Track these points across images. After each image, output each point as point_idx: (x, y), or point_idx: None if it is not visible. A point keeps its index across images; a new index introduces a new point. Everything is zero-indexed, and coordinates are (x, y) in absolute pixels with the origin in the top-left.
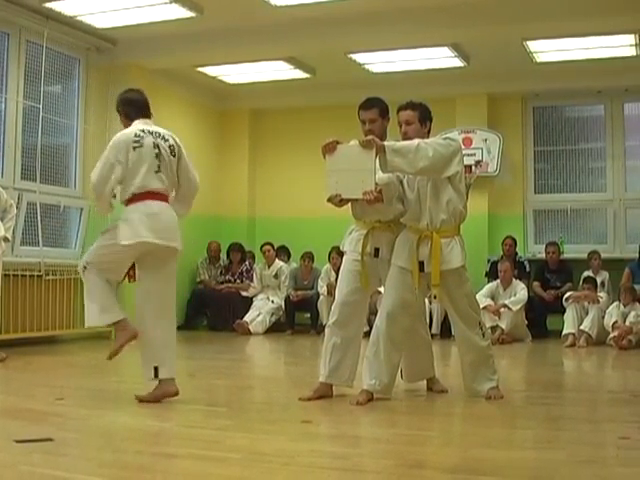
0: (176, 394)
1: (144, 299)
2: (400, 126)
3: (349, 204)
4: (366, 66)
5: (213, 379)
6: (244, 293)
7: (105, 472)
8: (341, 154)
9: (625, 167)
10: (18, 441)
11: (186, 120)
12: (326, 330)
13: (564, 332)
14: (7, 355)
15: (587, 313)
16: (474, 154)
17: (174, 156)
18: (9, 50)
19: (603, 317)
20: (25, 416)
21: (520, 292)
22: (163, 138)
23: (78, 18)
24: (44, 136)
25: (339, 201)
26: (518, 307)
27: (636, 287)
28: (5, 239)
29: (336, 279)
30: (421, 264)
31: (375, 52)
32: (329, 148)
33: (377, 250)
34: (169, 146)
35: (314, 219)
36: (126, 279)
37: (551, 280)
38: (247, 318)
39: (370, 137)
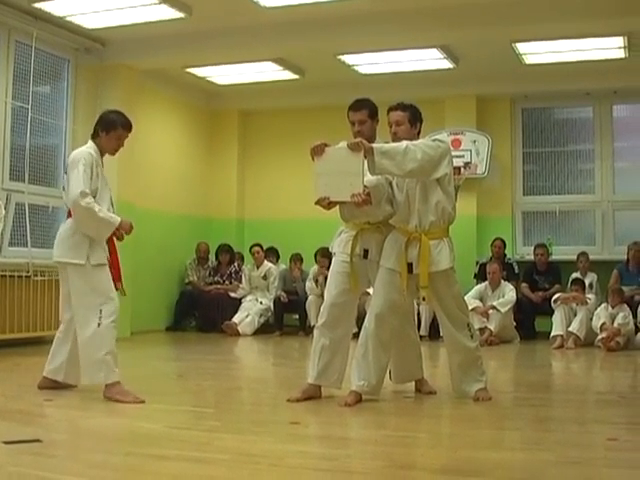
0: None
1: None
2: (390, 127)
3: (337, 206)
4: (355, 67)
5: (201, 380)
6: (233, 294)
7: (94, 473)
8: (329, 157)
9: (614, 169)
10: (6, 442)
11: (175, 121)
12: (315, 331)
13: (552, 334)
14: None
15: (575, 315)
16: (463, 156)
17: (65, 173)
18: None
19: (591, 319)
20: (13, 417)
21: (508, 294)
22: None
23: (67, 18)
24: (33, 137)
25: (327, 203)
26: (506, 309)
27: (624, 289)
28: None
29: (325, 280)
30: (410, 265)
31: (364, 53)
32: (317, 150)
33: (366, 251)
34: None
35: (303, 221)
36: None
37: (539, 282)
38: (236, 319)
39: (358, 139)
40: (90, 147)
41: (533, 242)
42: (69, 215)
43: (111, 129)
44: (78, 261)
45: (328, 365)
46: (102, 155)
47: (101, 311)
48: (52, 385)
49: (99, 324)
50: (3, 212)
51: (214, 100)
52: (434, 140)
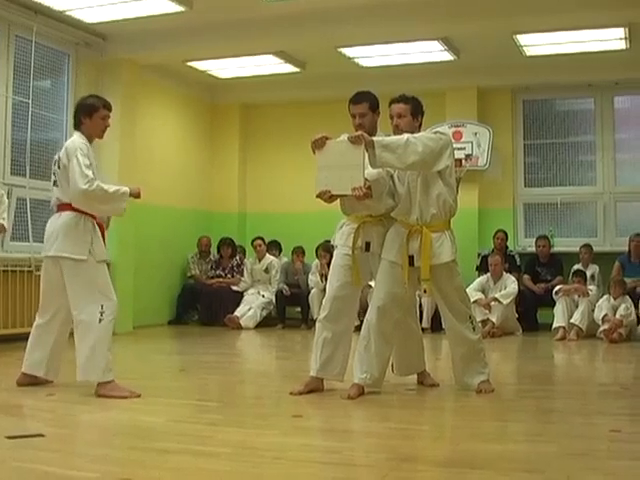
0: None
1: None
2: (392, 119)
3: (339, 199)
4: (356, 60)
5: (204, 374)
6: (235, 288)
7: (97, 468)
8: (330, 150)
9: (615, 160)
10: (9, 437)
11: (176, 115)
12: (317, 324)
13: (554, 325)
14: None
15: (577, 306)
16: (464, 148)
17: (58, 167)
18: None
19: (593, 310)
20: (16, 412)
21: (510, 285)
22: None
23: (67, 13)
24: (33, 131)
25: (328, 197)
26: (509, 300)
27: (626, 280)
28: (2, 228)
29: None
30: (411, 258)
31: (365, 46)
32: (318, 144)
33: (368, 244)
34: (57, 159)
35: (305, 214)
36: None
37: (541, 273)
38: (238, 312)
39: (359, 133)
40: (79, 137)
41: (535, 234)
42: (59, 209)
43: (94, 112)
44: (81, 257)
45: (330, 358)
46: (90, 142)
47: (102, 306)
48: (31, 381)
49: (100, 320)
50: (6, 202)
51: (215, 93)
52: (435, 132)
